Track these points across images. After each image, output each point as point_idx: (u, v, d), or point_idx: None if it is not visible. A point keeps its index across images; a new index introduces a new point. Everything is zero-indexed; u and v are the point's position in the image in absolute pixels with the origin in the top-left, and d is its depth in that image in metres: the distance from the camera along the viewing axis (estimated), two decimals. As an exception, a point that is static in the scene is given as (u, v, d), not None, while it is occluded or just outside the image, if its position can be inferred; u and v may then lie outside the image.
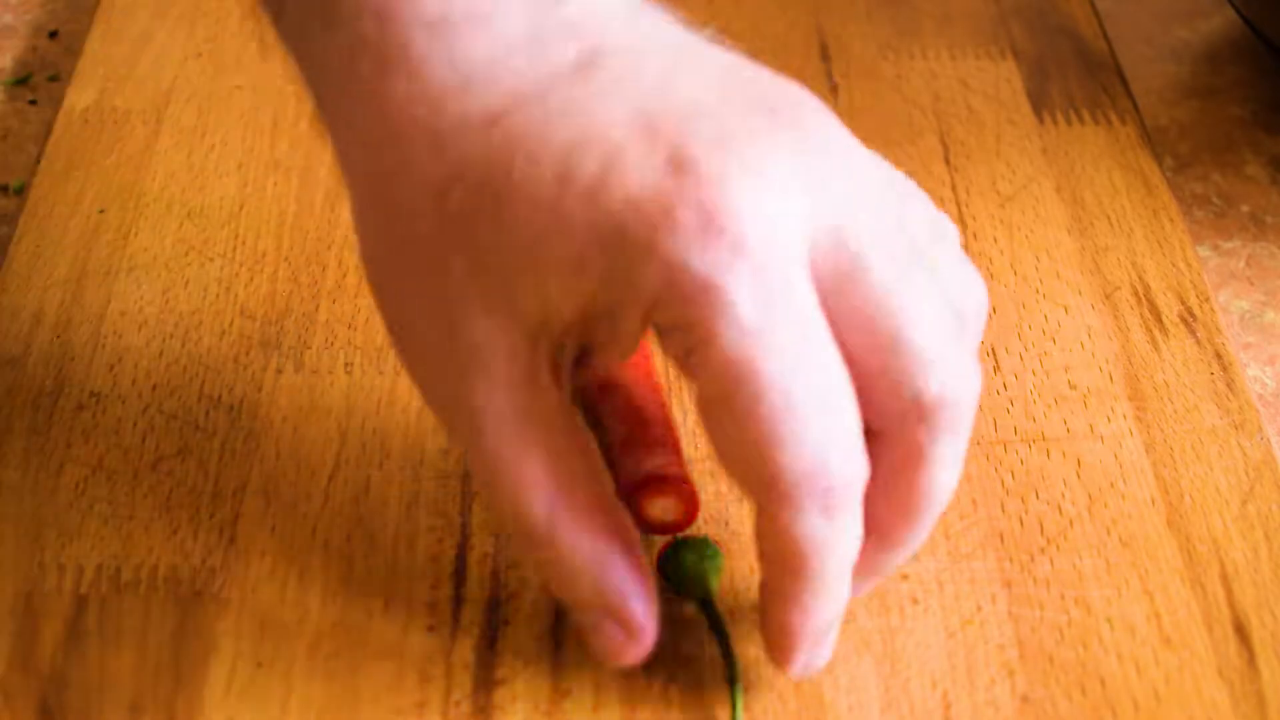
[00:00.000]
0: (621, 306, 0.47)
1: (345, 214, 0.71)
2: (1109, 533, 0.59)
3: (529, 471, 0.48)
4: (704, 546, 0.55)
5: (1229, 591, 0.57)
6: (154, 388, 0.64)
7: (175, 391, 0.63)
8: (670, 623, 0.54)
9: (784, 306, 0.46)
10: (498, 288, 0.48)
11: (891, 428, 0.48)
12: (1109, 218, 0.72)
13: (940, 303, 0.48)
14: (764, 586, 0.50)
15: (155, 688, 0.54)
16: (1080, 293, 0.68)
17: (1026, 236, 0.70)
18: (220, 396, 0.63)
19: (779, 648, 0.50)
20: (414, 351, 0.51)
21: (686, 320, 0.46)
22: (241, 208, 0.72)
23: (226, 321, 0.66)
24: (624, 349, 0.49)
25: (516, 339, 0.48)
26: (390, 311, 0.51)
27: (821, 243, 0.47)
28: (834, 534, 0.47)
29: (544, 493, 0.48)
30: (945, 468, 0.49)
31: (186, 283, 0.68)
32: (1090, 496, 0.60)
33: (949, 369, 0.48)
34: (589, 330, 0.48)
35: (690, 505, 0.55)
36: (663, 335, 0.48)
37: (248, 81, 0.78)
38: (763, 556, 0.49)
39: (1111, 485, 0.60)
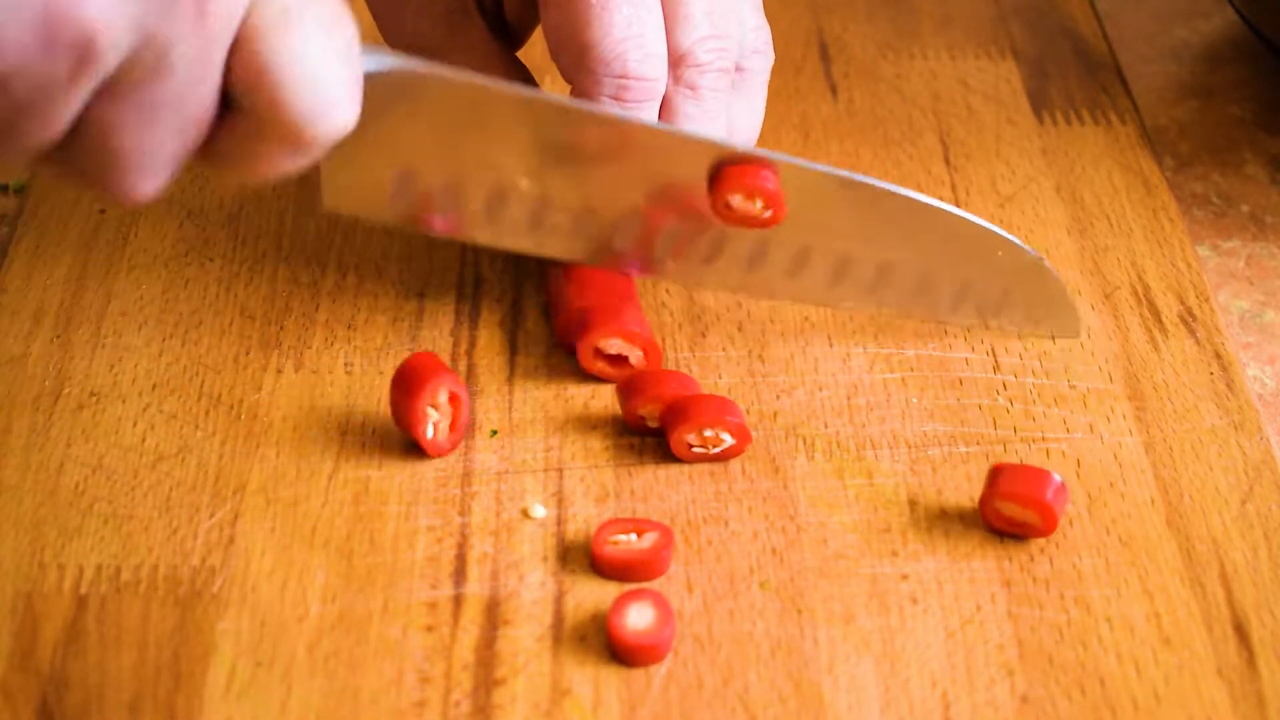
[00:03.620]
0: None
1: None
2: (1109, 532, 0.59)
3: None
4: None
5: (1229, 591, 0.57)
6: (154, 388, 0.64)
7: (175, 391, 0.63)
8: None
9: None
10: None
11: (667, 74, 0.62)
12: (1109, 218, 0.72)
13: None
14: None
15: (155, 688, 0.54)
16: (1080, 293, 0.68)
17: (1026, 236, 0.70)
18: (220, 396, 0.63)
19: None
20: None
21: None
22: (241, 208, 0.72)
23: (226, 321, 0.66)
24: None
25: None
26: None
27: None
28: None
29: None
30: (687, 120, 0.62)
31: (186, 283, 0.68)
32: (1090, 496, 0.60)
33: (704, 33, 0.62)
34: None
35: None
36: None
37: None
38: None
39: (1111, 485, 0.60)
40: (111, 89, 0.49)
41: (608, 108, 0.61)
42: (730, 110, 0.64)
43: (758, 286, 0.65)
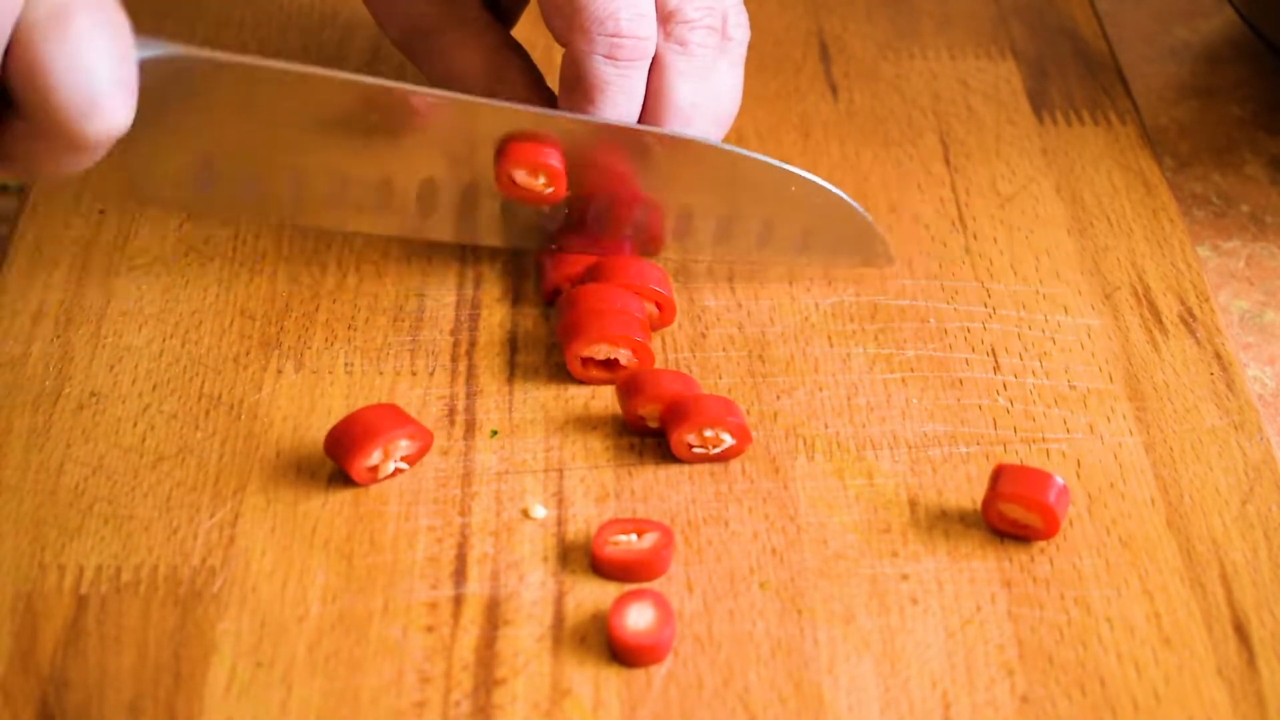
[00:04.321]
0: None
1: (345, 214, 0.71)
2: (1109, 533, 0.59)
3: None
4: None
5: (1229, 591, 0.57)
6: (154, 388, 0.64)
7: (175, 391, 0.63)
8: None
9: None
10: None
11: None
12: (1109, 218, 0.72)
13: None
14: (559, 100, 0.65)
15: (155, 688, 0.54)
16: (1080, 293, 0.68)
17: (1026, 236, 0.70)
18: (220, 396, 0.63)
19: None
20: None
21: None
22: (241, 208, 0.72)
23: (226, 321, 0.66)
24: None
25: None
26: None
27: None
28: (616, 79, 0.63)
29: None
30: (678, 76, 0.64)
31: (186, 283, 0.68)
32: (1090, 496, 0.60)
33: None
34: None
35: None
36: None
37: (248, 81, 0.78)
38: (563, 81, 0.64)
39: (1111, 485, 0.60)
40: None
41: (397, 83, 0.62)
42: (715, 70, 0.65)
43: (584, 246, 0.67)
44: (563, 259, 0.67)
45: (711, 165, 0.65)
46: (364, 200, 0.64)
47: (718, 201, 0.66)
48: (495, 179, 0.64)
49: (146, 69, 0.55)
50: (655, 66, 0.64)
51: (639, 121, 0.65)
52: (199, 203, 0.64)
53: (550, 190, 0.64)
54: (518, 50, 0.67)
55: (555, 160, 0.64)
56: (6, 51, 0.50)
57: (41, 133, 0.52)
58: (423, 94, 0.62)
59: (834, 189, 0.66)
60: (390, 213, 0.65)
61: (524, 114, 0.63)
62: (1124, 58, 0.82)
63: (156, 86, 0.56)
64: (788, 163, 0.65)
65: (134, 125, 0.53)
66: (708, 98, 0.65)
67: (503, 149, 0.64)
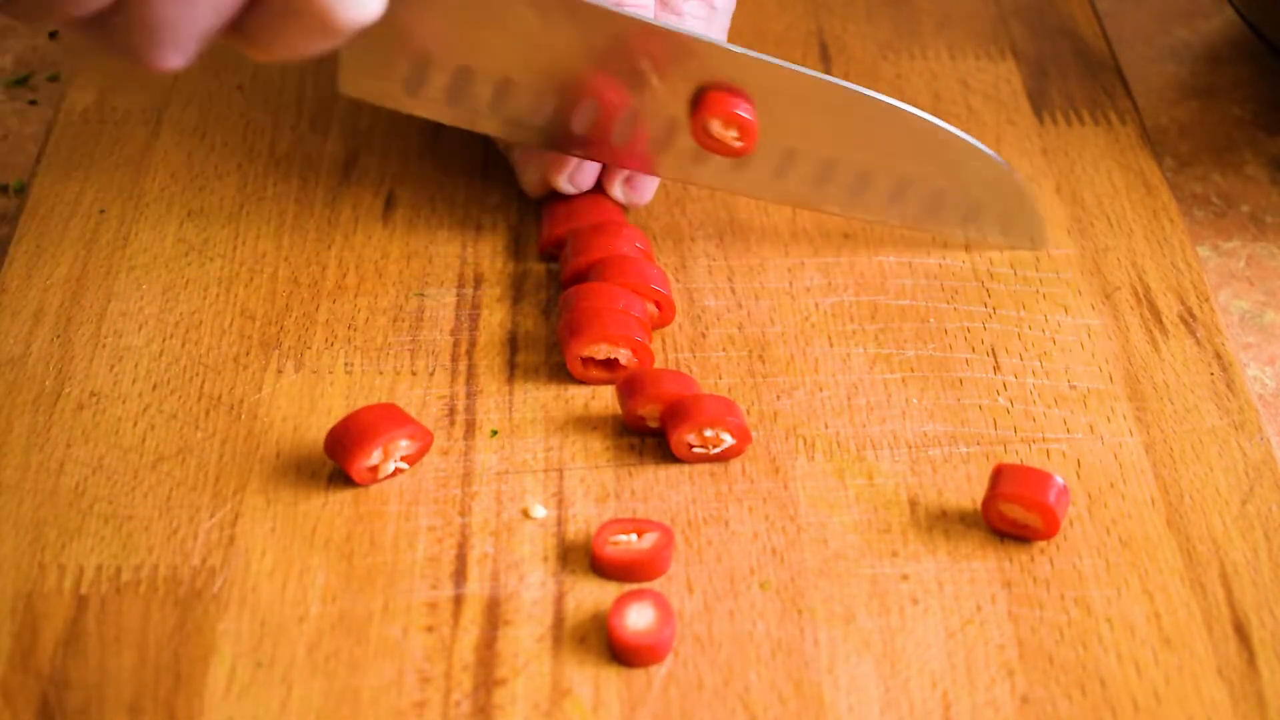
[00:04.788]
0: None
1: (345, 214, 0.71)
2: (1109, 533, 0.59)
3: None
4: None
5: (1229, 591, 0.57)
6: (154, 388, 0.64)
7: (175, 391, 0.63)
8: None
9: None
10: None
11: None
12: (1109, 218, 0.72)
13: None
14: None
15: (155, 688, 0.54)
16: (1080, 293, 0.68)
17: (1026, 236, 0.70)
18: (220, 396, 0.63)
19: None
20: None
21: None
22: (241, 208, 0.72)
23: (226, 321, 0.66)
24: None
25: None
26: None
27: None
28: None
29: None
30: None
31: (186, 283, 0.68)
32: (1090, 496, 0.60)
33: None
34: None
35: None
36: None
37: (248, 81, 0.78)
38: None
39: (1111, 485, 0.60)
40: None
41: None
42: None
43: (744, 186, 0.69)
44: (564, 212, 0.68)
45: (899, 128, 0.67)
46: (558, 117, 0.67)
47: (896, 162, 0.68)
48: (690, 128, 0.66)
49: None
50: None
51: None
52: (394, 99, 0.67)
53: (740, 144, 0.66)
54: None
55: (748, 113, 0.65)
56: None
57: (294, 14, 0.54)
58: (641, 22, 0.65)
59: (1008, 166, 0.68)
60: (580, 132, 0.68)
61: (722, 78, 0.66)
62: (1124, 58, 0.82)
63: None
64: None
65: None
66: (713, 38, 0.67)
67: (699, 98, 0.66)
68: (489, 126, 0.68)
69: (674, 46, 0.65)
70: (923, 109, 0.77)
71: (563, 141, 0.68)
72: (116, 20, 0.54)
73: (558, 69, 0.66)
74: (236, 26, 0.56)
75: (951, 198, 0.69)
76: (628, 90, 0.66)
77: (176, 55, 0.55)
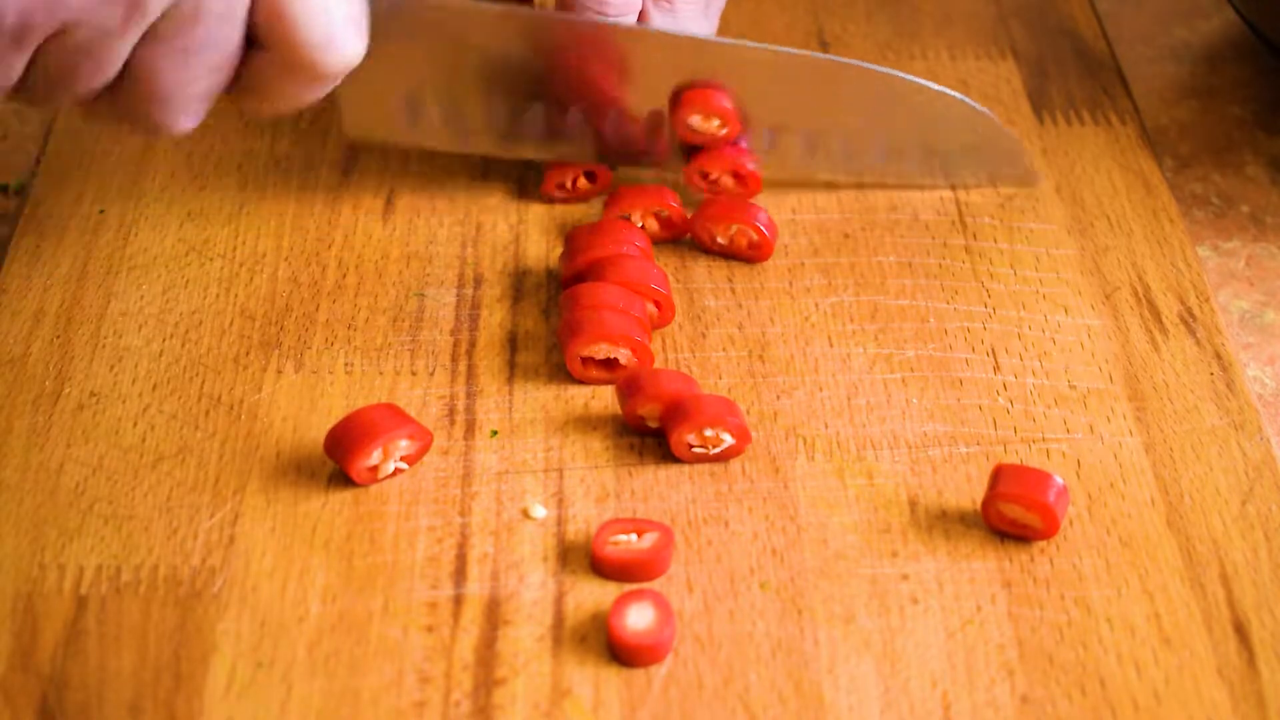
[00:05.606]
0: None
1: (345, 214, 0.71)
2: (1109, 533, 0.59)
3: None
4: None
5: (1229, 591, 0.57)
6: (154, 388, 0.64)
7: (175, 391, 0.63)
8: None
9: None
10: None
11: None
12: (1109, 218, 0.72)
13: None
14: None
15: (155, 688, 0.54)
16: (1080, 293, 0.68)
17: (1026, 236, 0.70)
18: (220, 396, 0.63)
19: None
20: None
21: None
22: (241, 208, 0.72)
23: (226, 321, 0.66)
24: None
25: None
26: None
27: None
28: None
29: None
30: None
31: (186, 283, 0.68)
32: (1090, 496, 0.60)
33: None
34: None
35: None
36: None
37: (248, 81, 0.78)
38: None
39: (1111, 485, 0.60)
40: (154, 35, 0.57)
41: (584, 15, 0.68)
42: (697, 27, 0.70)
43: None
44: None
45: (879, 90, 0.70)
46: (562, 132, 0.70)
47: (879, 123, 0.71)
48: (672, 126, 0.69)
49: (370, 7, 0.62)
50: (641, 21, 0.69)
51: None
52: (399, 135, 0.70)
53: (725, 131, 0.69)
54: None
55: (727, 103, 0.68)
56: None
57: (284, 68, 0.59)
58: (616, 28, 0.68)
59: (986, 110, 0.71)
60: (576, 140, 0.70)
61: (697, 77, 0.68)
62: (1124, 58, 0.82)
63: (378, 24, 0.62)
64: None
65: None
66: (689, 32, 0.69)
67: (677, 98, 0.69)
68: (489, 148, 0.70)
69: (649, 45, 0.68)
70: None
71: (567, 150, 0.71)
72: (122, 97, 0.58)
73: (537, 82, 0.68)
74: (237, 84, 0.60)
75: (939, 148, 0.71)
76: (611, 94, 0.69)
77: (187, 119, 0.60)
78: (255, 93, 0.61)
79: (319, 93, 0.61)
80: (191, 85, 0.59)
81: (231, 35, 0.58)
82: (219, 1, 0.57)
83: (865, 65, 0.69)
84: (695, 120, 0.69)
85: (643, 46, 0.68)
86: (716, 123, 0.69)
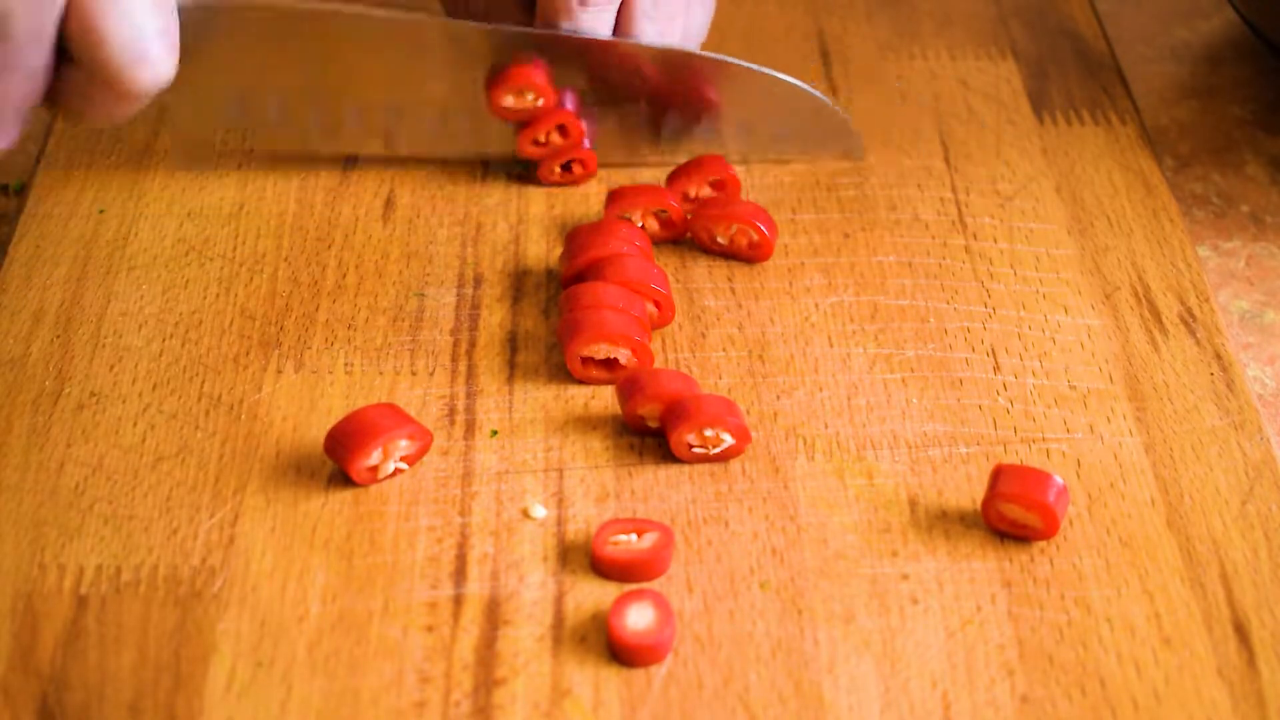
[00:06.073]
0: None
1: (345, 214, 0.71)
2: (1109, 533, 0.59)
3: None
4: None
5: (1229, 591, 0.57)
6: (154, 388, 0.64)
7: (175, 391, 0.63)
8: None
9: None
10: None
11: None
12: (1109, 218, 0.72)
13: None
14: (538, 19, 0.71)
15: (155, 688, 0.54)
16: (1080, 293, 0.68)
17: (1026, 236, 0.70)
18: (220, 396, 0.63)
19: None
20: None
21: None
22: (241, 208, 0.72)
23: (226, 321, 0.66)
24: None
25: None
26: None
27: None
28: (584, 17, 0.70)
29: None
30: (643, 17, 0.70)
31: (186, 283, 0.68)
32: (1090, 496, 0.60)
33: None
34: None
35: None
36: None
37: (248, 81, 0.78)
38: (539, 11, 0.70)
39: (1111, 485, 0.60)
40: None
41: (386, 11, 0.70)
42: (688, 11, 0.72)
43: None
44: (547, 118, 0.71)
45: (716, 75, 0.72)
46: (389, 125, 0.72)
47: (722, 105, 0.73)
48: (489, 108, 0.71)
49: (184, 17, 0.61)
50: (625, 6, 0.70)
51: None
52: (237, 135, 0.73)
53: (541, 102, 0.71)
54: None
55: (540, 78, 0.71)
56: (65, 13, 0.57)
57: (97, 82, 0.59)
58: (428, 21, 0.70)
59: (811, 89, 0.73)
60: (409, 136, 0.73)
61: (507, 59, 0.71)
62: (1124, 58, 0.82)
63: (193, 31, 0.63)
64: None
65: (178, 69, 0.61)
66: (672, 38, 0.72)
67: (491, 80, 0.71)
68: (323, 147, 0.73)
69: (458, 37, 0.70)
70: (923, 109, 0.77)
71: (368, 147, 0.73)
72: None
73: (357, 79, 0.71)
74: (52, 98, 0.60)
75: (778, 129, 0.74)
76: (422, 87, 0.71)
77: (2, 134, 0.60)
78: (70, 106, 0.61)
79: (132, 109, 0.61)
80: (4, 98, 0.58)
81: (41, 52, 0.58)
82: (28, 19, 0.57)
83: (690, 50, 0.72)
84: (509, 100, 0.71)
85: (451, 39, 0.70)
86: (531, 95, 0.71)
